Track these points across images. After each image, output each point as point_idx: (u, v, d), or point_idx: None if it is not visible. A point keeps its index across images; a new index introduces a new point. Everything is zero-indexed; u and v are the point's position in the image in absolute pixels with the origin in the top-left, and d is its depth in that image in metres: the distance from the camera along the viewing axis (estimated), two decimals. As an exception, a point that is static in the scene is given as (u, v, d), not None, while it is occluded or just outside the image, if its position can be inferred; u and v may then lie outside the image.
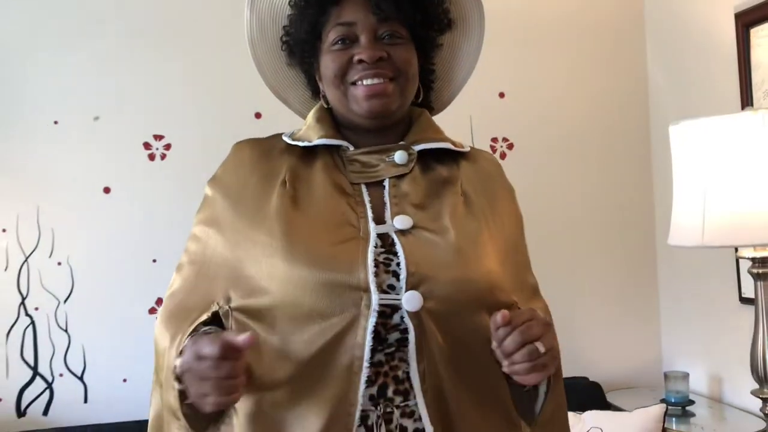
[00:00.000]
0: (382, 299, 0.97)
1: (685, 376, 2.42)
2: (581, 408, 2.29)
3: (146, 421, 2.33)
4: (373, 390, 0.98)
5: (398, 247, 1.01)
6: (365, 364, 0.96)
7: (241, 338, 0.90)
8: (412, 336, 0.97)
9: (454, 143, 1.17)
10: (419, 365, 0.97)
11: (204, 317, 1.04)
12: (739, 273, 2.29)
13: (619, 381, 2.67)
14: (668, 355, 2.73)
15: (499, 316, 0.94)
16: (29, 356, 2.38)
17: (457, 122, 2.65)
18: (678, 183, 1.84)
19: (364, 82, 1.07)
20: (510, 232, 1.17)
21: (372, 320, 0.96)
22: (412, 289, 0.98)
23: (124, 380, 2.43)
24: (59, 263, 2.41)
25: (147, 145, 2.47)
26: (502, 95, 2.70)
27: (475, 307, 1.02)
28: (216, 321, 1.05)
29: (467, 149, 1.19)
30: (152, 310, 2.44)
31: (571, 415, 2.21)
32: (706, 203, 1.72)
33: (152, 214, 2.46)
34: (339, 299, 0.98)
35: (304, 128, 1.16)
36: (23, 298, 2.38)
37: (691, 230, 1.77)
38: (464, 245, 1.05)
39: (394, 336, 0.98)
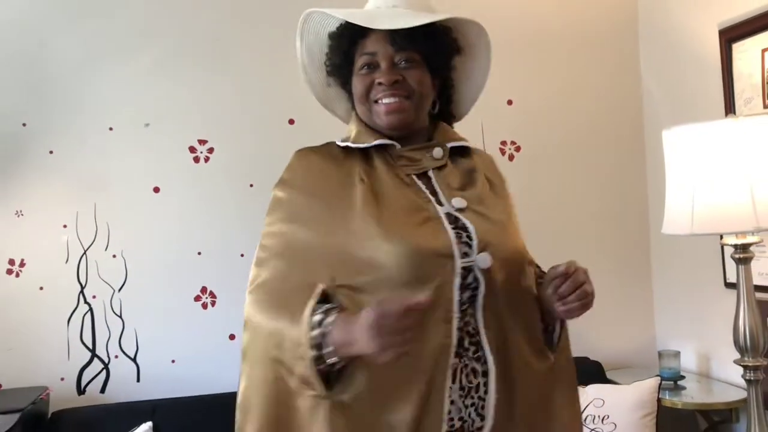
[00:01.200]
0: (462, 263, 1.22)
1: (677, 354, 2.68)
2: (584, 383, 2.53)
3: (192, 397, 2.59)
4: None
5: (466, 222, 1.27)
6: (456, 314, 1.20)
7: (422, 298, 1.09)
8: (482, 288, 1.22)
9: (466, 142, 1.44)
10: (484, 312, 1.23)
11: (316, 295, 1.18)
12: (724, 261, 2.55)
13: (617, 360, 2.91)
14: (661, 336, 2.99)
15: (563, 268, 1.25)
16: (88, 340, 2.60)
17: (470, 127, 2.82)
18: (670, 180, 2.10)
19: (384, 100, 1.31)
20: (514, 211, 1.44)
21: (458, 280, 1.21)
22: (482, 251, 1.24)
23: (173, 361, 2.65)
24: (114, 256, 2.62)
25: (192, 149, 2.69)
26: (510, 102, 2.95)
27: (520, 266, 1.32)
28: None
29: (473, 146, 1.46)
30: (197, 298, 2.67)
31: (575, 388, 2.49)
32: (694, 197, 1.99)
33: (197, 211, 2.68)
34: (432, 267, 1.21)
35: (355, 134, 1.37)
36: (82, 288, 2.61)
37: (681, 221, 2.03)
38: (503, 220, 1.33)
39: (466, 295, 1.23)
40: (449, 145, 1.39)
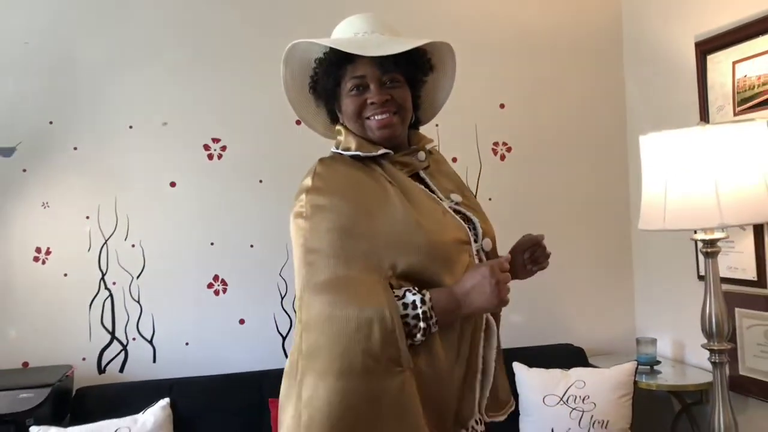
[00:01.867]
0: (475, 247, 1.50)
1: (653, 341, 2.90)
2: (567, 367, 2.73)
3: (205, 376, 2.76)
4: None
5: (468, 214, 1.54)
6: None
7: (509, 257, 1.44)
8: None
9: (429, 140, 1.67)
10: None
11: (387, 284, 1.37)
12: (697, 255, 2.76)
13: (599, 347, 3.12)
14: (640, 325, 3.20)
15: (537, 237, 1.65)
16: (108, 323, 2.78)
17: (465, 129, 3.09)
18: (646, 181, 2.31)
19: (376, 117, 1.50)
20: None
21: (475, 260, 1.48)
22: (485, 238, 1.53)
23: (186, 343, 2.83)
24: (133, 245, 2.81)
25: (206, 147, 2.87)
26: (502, 106, 3.14)
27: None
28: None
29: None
30: (210, 285, 2.86)
31: (558, 371, 2.70)
32: (667, 196, 2.19)
33: (210, 205, 2.86)
34: (458, 252, 1.45)
35: (357, 145, 1.52)
36: (103, 275, 2.80)
37: (655, 218, 2.25)
38: (482, 210, 1.61)
39: None
40: (428, 146, 1.63)
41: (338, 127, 1.59)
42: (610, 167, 3.23)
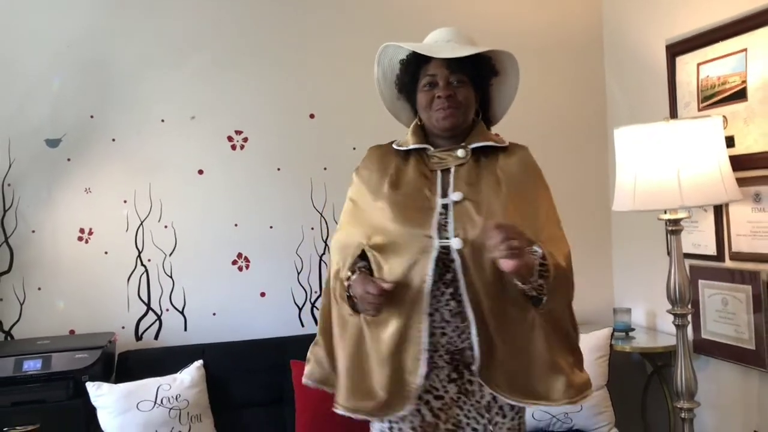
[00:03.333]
0: (440, 242, 1.71)
1: (628, 311, 3.26)
2: (552, 333, 3.10)
3: (231, 342, 3.10)
4: (446, 303, 1.72)
5: (450, 213, 1.75)
6: (429, 276, 1.68)
7: (386, 285, 1.66)
8: (457, 263, 1.69)
9: (497, 142, 1.86)
10: (465, 279, 1.70)
11: (355, 254, 1.80)
12: (666, 234, 3.10)
13: (580, 317, 3.38)
14: (618, 297, 3.55)
15: (491, 223, 1.62)
16: (144, 296, 3.11)
17: None
18: (619, 168, 2.65)
19: (440, 110, 1.81)
20: (535, 199, 1.85)
21: (434, 253, 1.70)
22: (456, 237, 1.71)
23: (214, 314, 3.16)
24: (166, 226, 3.13)
25: (230, 138, 3.19)
26: None
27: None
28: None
29: (505, 144, 1.89)
30: (234, 262, 3.19)
31: (545, 336, 3.04)
32: (636, 181, 2.53)
33: (234, 190, 3.18)
34: (418, 241, 1.73)
35: (404, 140, 1.91)
36: (139, 252, 3.12)
37: (626, 200, 2.59)
38: (493, 210, 1.73)
39: (449, 276, 1.72)
40: (472, 146, 1.84)
41: (414, 123, 1.94)
42: (592, 155, 3.56)
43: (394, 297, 1.71)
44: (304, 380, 1.95)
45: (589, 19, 3.57)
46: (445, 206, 1.78)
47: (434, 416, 1.78)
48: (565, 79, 3.55)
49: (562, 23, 3.54)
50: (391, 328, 1.75)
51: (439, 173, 1.84)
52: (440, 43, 1.87)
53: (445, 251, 1.72)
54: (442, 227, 1.75)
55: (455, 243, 1.72)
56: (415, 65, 1.87)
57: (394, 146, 1.92)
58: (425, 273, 1.71)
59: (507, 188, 1.80)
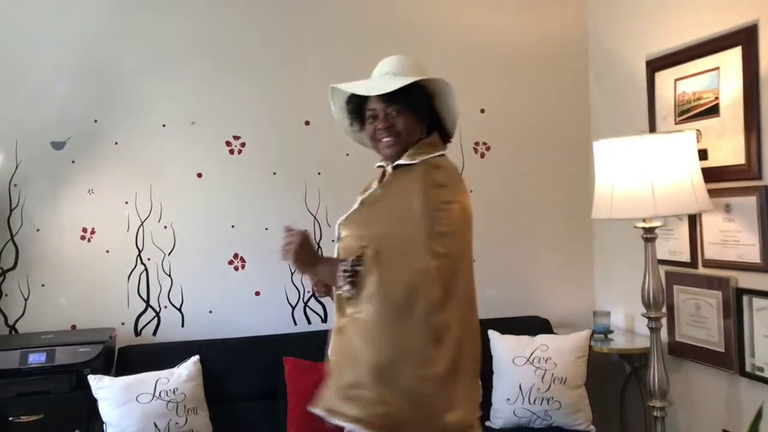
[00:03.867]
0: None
1: (608, 314, 3.40)
2: (534, 334, 3.20)
3: (226, 339, 3.21)
4: None
5: (342, 219, 1.98)
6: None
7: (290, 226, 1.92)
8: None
9: (409, 161, 1.93)
10: None
11: None
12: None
13: (562, 319, 3.58)
14: (599, 301, 3.70)
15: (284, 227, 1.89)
16: (143, 293, 3.24)
17: None
18: (598, 178, 2.80)
19: (383, 139, 1.96)
20: (381, 208, 1.92)
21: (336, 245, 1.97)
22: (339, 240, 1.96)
23: (210, 311, 3.30)
24: (165, 227, 3.26)
25: (228, 143, 3.32)
26: (482, 111, 3.61)
27: (350, 248, 1.89)
28: None
29: (414, 162, 1.93)
30: (230, 262, 3.32)
31: (526, 337, 3.18)
32: (613, 191, 2.68)
33: (231, 193, 3.31)
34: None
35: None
36: (140, 252, 3.25)
37: (604, 208, 2.73)
38: (363, 219, 1.93)
39: None
40: (389, 166, 1.99)
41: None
42: (576, 165, 3.69)
43: None
44: None
45: (575, 34, 3.71)
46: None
47: None
48: (551, 91, 3.70)
49: (550, 38, 3.69)
50: None
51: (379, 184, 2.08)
52: (376, 77, 2.02)
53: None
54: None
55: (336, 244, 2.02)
56: (358, 102, 2.02)
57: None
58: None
59: (385, 200, 1.96)
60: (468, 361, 1.85)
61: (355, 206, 2.01)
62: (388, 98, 1.94)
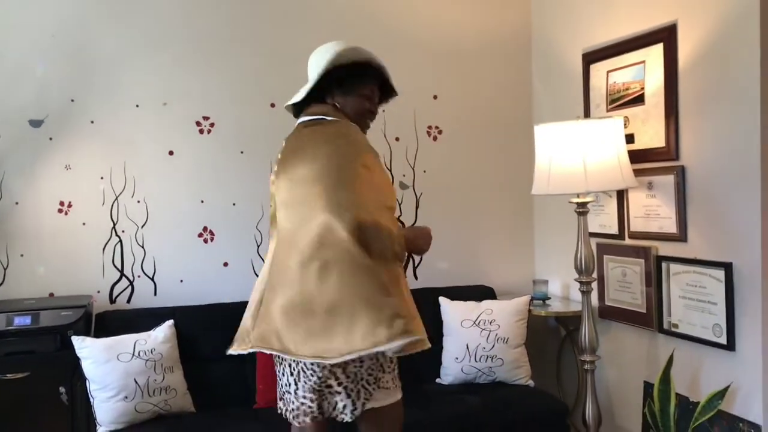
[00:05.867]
0: None
1: (545, 282, 3.76)
2: (479, 300, 3.54)
3: (197, 306, 3.43)
4: None
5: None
6: None
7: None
8: None
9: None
10: None
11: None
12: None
13: (506, 288, 3.95)
14: (538, 271, 4.07)
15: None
16: (118, 263, 3.44)
17: (405, 115, 3.85)
18: (537, 158, 3.12)
19: (369, 121, 2.40)
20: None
21: None
22: None
23: (181, 280, 3.51)
24: (138, 201, 3.45)
25: (198, 123, 3.54)
26: (435, 97, 3.91)
27: None
28: None
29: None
30: (200, 235, 3.55)
31: (472, 303, 3.50)
32: (550, 170, 3.01)
33: (201, 170, 3.53)
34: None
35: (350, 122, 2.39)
36: (114, 224, 3.44)
37: (542, 185, 3.06)
38: None
39: None
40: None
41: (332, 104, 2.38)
42: (519, 147, 4.03)
43: None
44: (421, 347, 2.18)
45: (520, 29, 4.05)
46: None
47: None
48: (498, 80, 4.02)
49: (496, 31, 4.01)
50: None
51: None
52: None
53: None
54: None
55: None
56: (360, 74, 2.36)
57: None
58: None
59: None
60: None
61: None
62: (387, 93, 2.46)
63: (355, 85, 2.36)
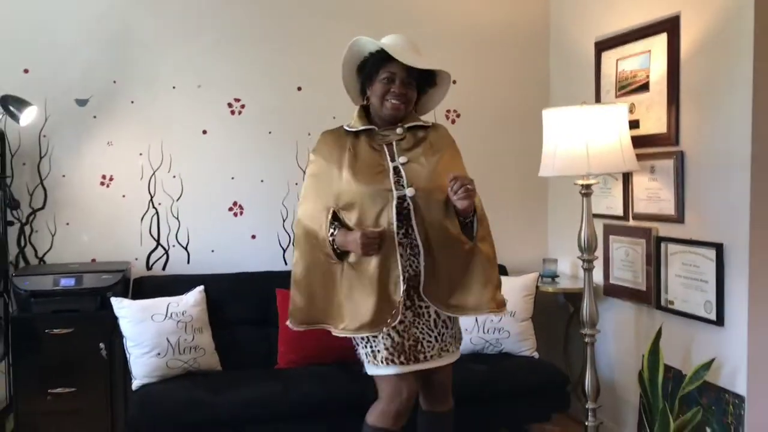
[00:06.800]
0: (396, 194, 2.39)
1: (555, 261, 3.94)
2: (492, 276, 3.76)
3: (227, 274, 3.72)
4: (402, 238, 2.39)
5: (402, 171, 2.42)
6: (394, 221, 2.37)
7: (379, 230, 2.33)
8: (411, 207, 2.39)
9: (424, 122, 2.54)
10: (416, 219, 2.39)
11: (329, 215, 2.43)
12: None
13: (519, 266, 4.10)
14: (551, 250, 4.24)
15: (451, 174, 2.34)
16: (154, 233, 3.72)
17: None
18: (545, 141, 3.29)
19: (392, 101, 2.45)
20: (454, 162, 2.54)
21: (394, 202, 2.38)
22: (410, 187, 2.40)
23: (212, 251, 3.78)
24: (174, 176, 3.72)
25: (230, 105, 3.78)
26: (455, 82, 4.03)
27: (437, 193, 2.42)
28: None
29: (430, 124, 2.56)
30: (230, 209, 3.81)
31: (484, 278, 3.70)
32: (556, 152, 3.18)
33: (232, 148, 3.78)
34: (379, 196, 2.39)
35: (353, 122, 2.53)
36: (151, 197, 3.72)
37: (549, 167, 3.23)
38: (432, 168, 2.44)
39: (405, 212, 2.39)
40: (407, 125, 2.51)
41: (358, 107, 2.56)
42: (535, 131, 4.11)
43: None
44: (291, 326, 2.56)
45: (538, 17, 4.21)
46: (395, 168, 2.44)
47: (400, 336, 2.44)
48: (516, 66, 4.19)
49: (516, 20, 4.17)
50: (373, 265, 2.40)
51: (385, 146, 2.50)
52: (402, 49, 2.46)
53: (399, 200, 2.39)
54: (396, 183, 2.41)
55: (409, 192, 2.41)
56: (379, 60, 2.46)
57: (345, 128, 2.55)
58: (391, 217, 2.39)
59: (436, 153, 2.51)
60: None
61: (404, 160, 2.44)
62: (411, 70, 2.42)
63: (373, 75, 2.49)
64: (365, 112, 2.56)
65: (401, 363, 2.42)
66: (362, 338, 2.46)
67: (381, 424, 2.45)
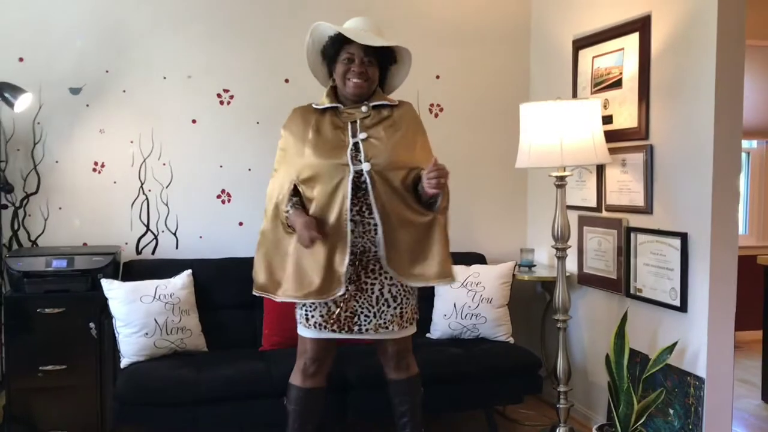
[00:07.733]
0: (354, 168, 2.51)
1: (532, 250, 4.08)
2: (469, 264, 3.87)
3: (214, 259, 3.85)
4: (354, 215, 2.52)
5: (361, 146, 2.54)
6: (349, 195, 2.49)
7: (317, 237, 2.45)
8: (368, 181, 2.51)
9: (390, 101, 2.66)
10: (374, 194, 2.51)
11: (290, 188, 2.57)
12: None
13: (497, 256, 4.24)
14: (530, 240, 4.39)
15: (432, 161, 2.45)
16: (144, 219, 3.83)
17: (409, 94, 4.12)
18: (522, 135, 3.43)
19: (353, 80, 2.58)
20: (415, 138, 2.66)
21: (350, 177, 2.50)
22: (367, 162, 2.52)
23: (200, 237, 3.90)
24: (164, 164, 3.84)
25: (219, 95, 3.90)
26: (437, 77, 4.22)
27: (395, 169, 2.55)
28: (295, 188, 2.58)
29: (396, 103, 2.67)
30: (218, 196, 3.92)
31: (462, 267, 3.82)
32: (531, 145, 3.32)
33: (220, 137, 3.90)
34: (337, 171, 2.52)
35: (322, 100, 2.67)
36: (142, 184, 3.83)
37: (524, 159, 3.37)
38: (392, 144, 2.57)
39: (363, 186, 2.52)
40: (372, 104, 2.63)
41: (328, 87, 2.70)
42: (515, 124, 4.26)
43: (325, 210, 2.54)
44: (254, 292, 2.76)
45: (519, 14, 4.34)
46: (355, 144, 2.55)
47: (336, 306, 2.60)
48: (497, 61, 4.32)
49: (498, 16, 4.30)
50: (325, 244, 2.53)
51: (349, 124, 2.63)
52: (360, 31, 2.61)
53: (357, 175, 2.51)
54: (353, 158, 2.53)
55: (366, 166, 2.52)
56: (339, 43, 2.61)
57: (313, 106, 2.69)
58: (346, 191, 2.52)
59: (398, 129, 2.63)
60: None
61: (363, 136, 2.54)
62: (368, 50, 2.56)
63: (334, 57, 2.64)
64: (334, 92, 2.70)
65: (332, 331, 2.61)
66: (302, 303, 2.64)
67: (291, 381, 2.77)
